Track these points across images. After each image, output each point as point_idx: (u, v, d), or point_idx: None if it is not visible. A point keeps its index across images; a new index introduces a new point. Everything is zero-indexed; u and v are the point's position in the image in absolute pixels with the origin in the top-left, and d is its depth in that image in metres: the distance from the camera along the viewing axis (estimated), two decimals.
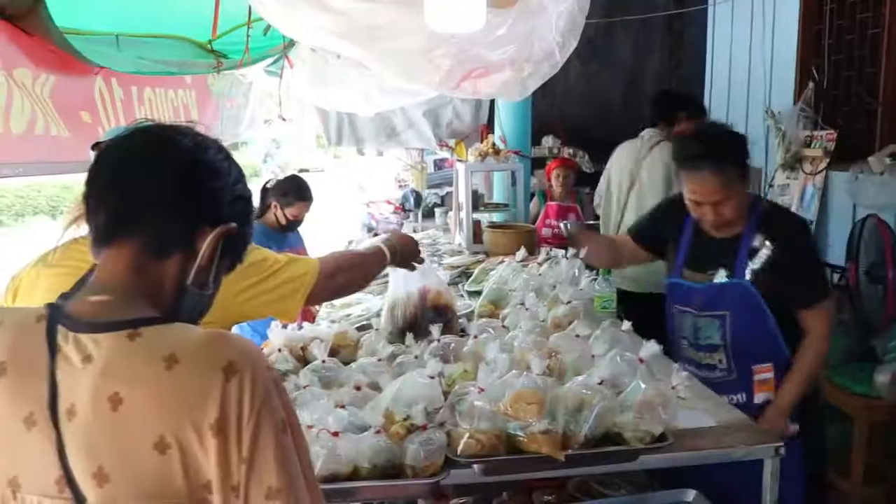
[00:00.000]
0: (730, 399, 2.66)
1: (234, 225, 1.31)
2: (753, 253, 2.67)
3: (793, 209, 5.57)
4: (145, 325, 1.14)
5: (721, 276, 2.70)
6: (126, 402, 1.07)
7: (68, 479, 1.09)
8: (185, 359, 1.10)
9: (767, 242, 2.65)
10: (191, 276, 1.27)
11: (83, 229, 2.26)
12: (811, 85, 5.52)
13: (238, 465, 1.09)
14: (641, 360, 2.26)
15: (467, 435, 1.98)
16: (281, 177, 4.80)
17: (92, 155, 2.48)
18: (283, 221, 4.60)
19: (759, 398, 2.74)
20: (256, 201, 4.57)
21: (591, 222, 6.46)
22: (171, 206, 1.24)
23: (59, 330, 1.15)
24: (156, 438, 1.07)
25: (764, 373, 2.74)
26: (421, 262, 2.85)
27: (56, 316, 1.17)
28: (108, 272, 1.22)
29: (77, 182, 2.44)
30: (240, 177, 1.35)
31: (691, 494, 2.35)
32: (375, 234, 7.25)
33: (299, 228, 4.89)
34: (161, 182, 1.23)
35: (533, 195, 7.04)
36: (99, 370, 1.09)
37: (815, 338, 2.69)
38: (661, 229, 3.02)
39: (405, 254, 2.71)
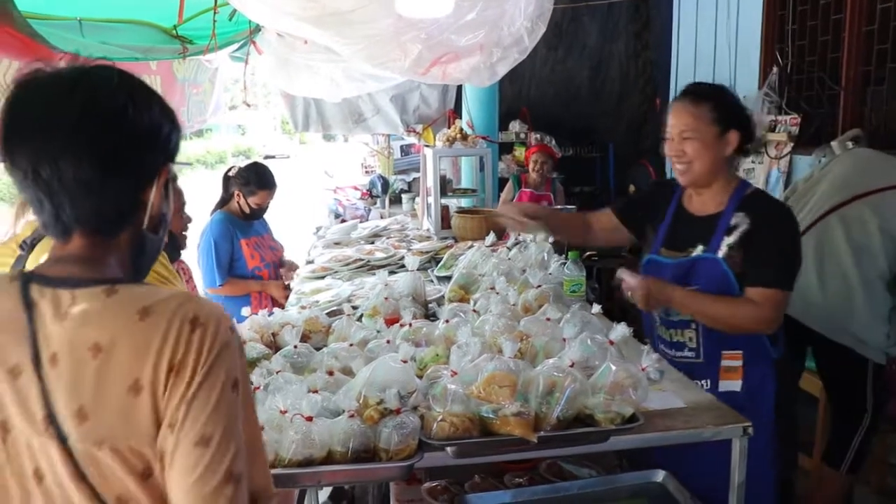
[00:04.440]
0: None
1: (173, 166, 1.35)
2: (731, 229, 2.63)
3: None
4: (120, 284, 1.22)
5: (698, 251, 2.68)
6: (105, 350, 1.15)
7: (52, 418, 1.16)
8: (157, 312, 1.18)
9: (747, 219, 2.61)
10: (145, 224, 1.32)
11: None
12: (775, 70, 5.58)
13: (180, 403, 1.16)
14: (611, 343, 2.28)
15: (440, 418, 1.99)
16: (243, 164, 4.73)
17: None
18: (247, 210, 4.56)
19: (723, 386, 2.68)
20: (219, 189, 4.56)
21: (559, 207, 6.50)
22: (117, 192, 1.25)
23: (32, 288, 1.22)
24: (131, 382, 1.15)
25: (732, 360, 2.69)
26: None
27: (28, 276, 1.24)
28: (66, 250, 1.27)
29: None
30: (168, 116, 1.34)
31: (661, 475, 2.38)
32: (343, 221, 7.21)
33: (265, 215, 4.85)
34: (102, 172, 1.22)
35: (507, 180, 7.04)
36: (79, 321, 1.17)
37: (756, 309, 2.56)
38: (644, 210, 3.01)
39: None
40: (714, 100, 2.66)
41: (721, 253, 2.61)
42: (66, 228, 1.24)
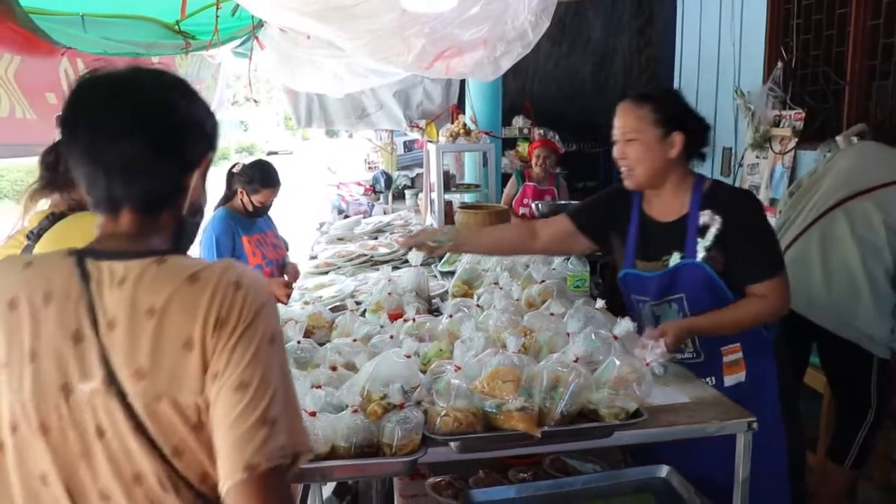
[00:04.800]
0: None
1: (211, 154, 1.49)
2: (703, 230, 2.59)
3: (762, 188, 5.63)
4: (168, 255, 1.36)
5: (675, 259, 2.63)
6: (159, 313, 1.28)
7: (112, 378, 1.28)
8: (204, 277, 1.31)
9: (717, 217, 2.58)
10: (185, 208, 1.47)
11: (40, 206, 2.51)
12: (780, 64, 5.56)
13: (223, 352, 1.28)
14: (616, 337, 2.28)
15: (444, 413, 1.99)
16: (247, 161, 4.70)
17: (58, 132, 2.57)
18: (250, 208, 4.53)
19: (728, 381, 2.67)
20: (222, 186, 4.54)
21: (564, 202, 6.49)
22: (163, 175, 1.40)
23: (87, 261, 1.34)
24: (184, 340, 1.28)
25: (733, 353, 2.68)
26: None
27: (82, 252, 1.37)
28: (115, 227, 1.40)
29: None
30: (209, 112, 1.48)
31: (665, 470, 2.37)
32: (346, 217, 7.21)
33: (269, 212, 4.82)
34: (152, 157, 1.36)
35: (510, 175, 7.02)
36: (134, 288, 1.30)
37: (764, 302, 2.56)
38: (605, 217, 2.96)
39: None
40: (657, 101, 2.64)
41: (700, 256, 2.58)
42: (115, 205, 1.38)
